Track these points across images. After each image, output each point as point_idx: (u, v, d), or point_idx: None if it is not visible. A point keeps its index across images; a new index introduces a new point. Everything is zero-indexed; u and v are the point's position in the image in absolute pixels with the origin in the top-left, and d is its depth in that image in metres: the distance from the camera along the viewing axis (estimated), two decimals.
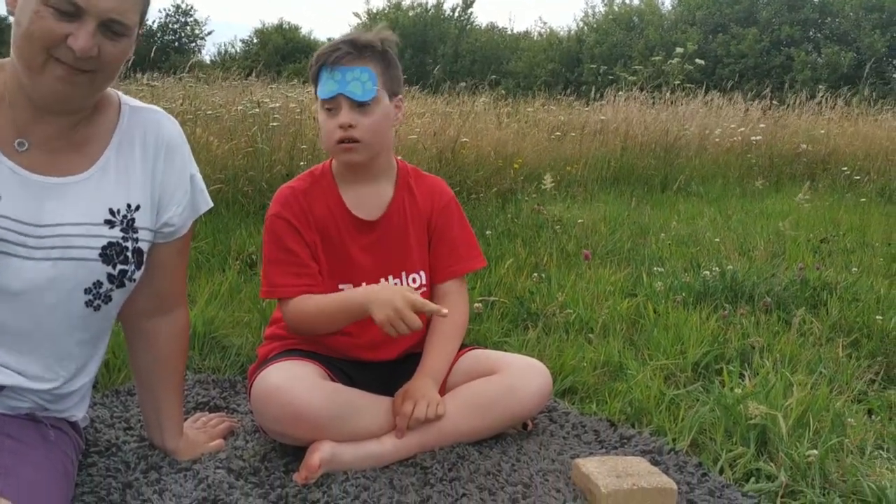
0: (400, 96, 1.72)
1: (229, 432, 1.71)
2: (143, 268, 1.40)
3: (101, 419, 1.72)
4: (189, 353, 2.13)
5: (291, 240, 1.66)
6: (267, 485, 1.48)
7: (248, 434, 1.70)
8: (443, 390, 1.68)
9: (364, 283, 1.69)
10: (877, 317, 2.59)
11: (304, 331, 1.67)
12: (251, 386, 1.60)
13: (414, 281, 1.76)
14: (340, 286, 1.70)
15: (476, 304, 2.58)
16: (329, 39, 1.71)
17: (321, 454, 1.49)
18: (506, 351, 2.04)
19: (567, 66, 27.15)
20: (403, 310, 1.47)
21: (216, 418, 1.74)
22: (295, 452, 1.57)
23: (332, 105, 1.63)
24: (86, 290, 1.31)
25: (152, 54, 6.69)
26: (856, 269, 3.41)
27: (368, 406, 1.59)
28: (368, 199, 1.73)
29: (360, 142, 1.63)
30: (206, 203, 1.51)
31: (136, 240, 1.37)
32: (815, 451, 1.63)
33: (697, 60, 9.81)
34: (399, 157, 1.82)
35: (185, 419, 1.68)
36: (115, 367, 2.01)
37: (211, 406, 1.87)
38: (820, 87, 11.24)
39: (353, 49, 1.61)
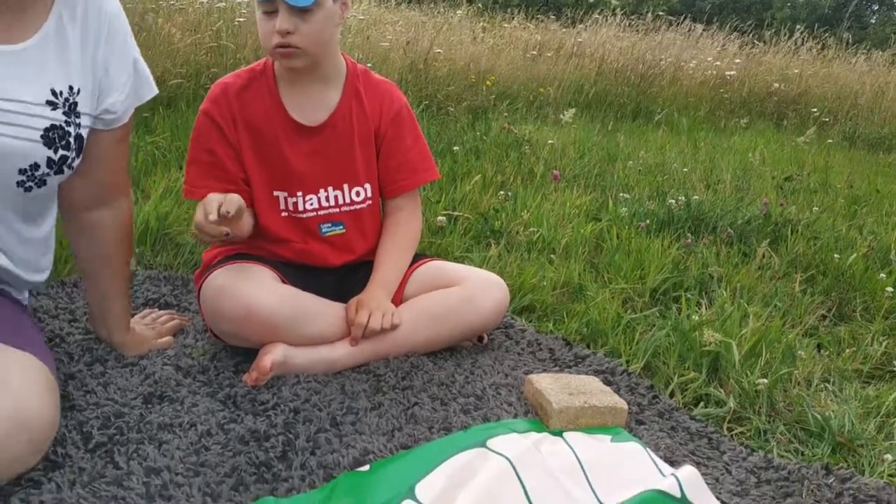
0: None
1: (179, 330, 1.67)
2: (81, 156, 1.32)
3: (45, 310, 1.66)
4: (140, 249, 2.07)
5: (215, 140, 1.56)
6: (215, 384, 1.45)
7: (198, 333, 1.66)
8: (398, 301, 1.65)
9: (300, 193, 1.61)
10: (834, 255, 2.62)
11: None
12: (199, 289, 1.54)
13: (358, 195, 1.66)
14: (275, 193, 1.61)
15: (440, 218, 2.54)
16: None
17: (273, 356, 1.46)
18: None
19: None
20: (203, 226, 1.35)
21: (166, 315, 1.70)
22: (246, 353, 1.54)
23: (269, 8, 1.47)
24: (20, 170, 1.23)
25: None
26: (817, 209, 3.44)
27: (322, 311, 1.55)
28: (311, 103, 1.60)
29: (301, 48, 1.49)
30: (151, 90, 1.42)
31: (79, 125, 1.28)
32: (765, 381, 1.65)
33: None
34: (348, 56, 1.67)
35: (134, 315, 1.63)
36: (62, 258, 1.93)
37: (161, 303, 1.82)
38: (798, 26, 11.14)
39: None
